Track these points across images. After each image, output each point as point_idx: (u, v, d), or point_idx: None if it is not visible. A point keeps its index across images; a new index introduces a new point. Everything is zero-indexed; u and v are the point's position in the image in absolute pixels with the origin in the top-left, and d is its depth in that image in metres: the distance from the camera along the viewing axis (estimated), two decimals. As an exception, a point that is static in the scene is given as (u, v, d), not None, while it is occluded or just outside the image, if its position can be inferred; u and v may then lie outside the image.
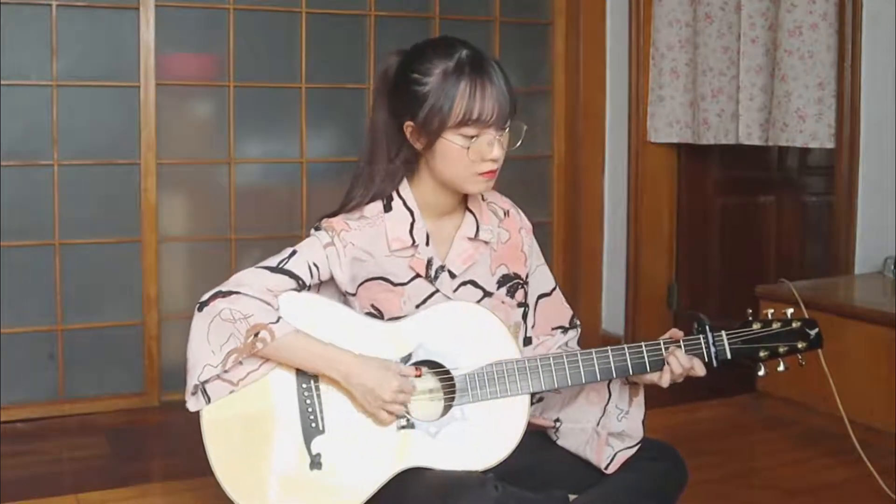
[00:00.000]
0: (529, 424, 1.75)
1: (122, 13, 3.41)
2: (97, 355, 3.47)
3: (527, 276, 1.87)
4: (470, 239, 1.80)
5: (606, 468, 1.79)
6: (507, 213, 1.88)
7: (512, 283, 1.84)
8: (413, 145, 1.74)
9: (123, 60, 3.43)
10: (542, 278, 1.90)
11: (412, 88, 1.69)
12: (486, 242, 1.81)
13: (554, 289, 1.91)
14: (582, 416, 1.82)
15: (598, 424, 1.81)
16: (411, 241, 1.75)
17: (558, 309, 1.91)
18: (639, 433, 1.81)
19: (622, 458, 1.79)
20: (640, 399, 1.83)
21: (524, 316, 1.86)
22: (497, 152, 1.70)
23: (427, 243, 1.77)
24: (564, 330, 1.91)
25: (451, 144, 1.68)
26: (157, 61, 3.45)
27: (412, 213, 1.76)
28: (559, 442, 1.84)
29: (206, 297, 1.68)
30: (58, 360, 3.41)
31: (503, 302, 1.82)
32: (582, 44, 4.11)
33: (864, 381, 2.76)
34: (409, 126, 1.72)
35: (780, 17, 3.31)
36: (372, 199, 1.77)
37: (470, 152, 1.68)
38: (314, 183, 3.75)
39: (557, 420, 1.84)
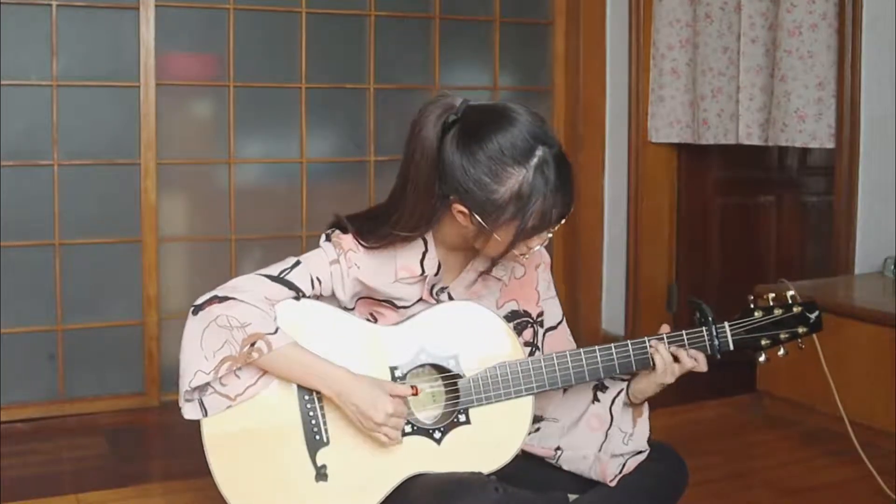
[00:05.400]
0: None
1: (122, 13, 3.41)
2: (97, 355, 3.46)
3: (538, 316, 1.82)
4: (480, 272, 1.75)
5: (614, 479, 1.74)
6: None
7: (521, 320, 1.79)
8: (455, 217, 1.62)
9: (123, 60, 3.43)
10: (549, 313, 1.85)
11: (482, 191, 1.55)
12: (497, 279, 1.77)
13: (560, 322, 1.87)
14: (583, 443, 1.78)
15: (600, 450, 1.77)
16: (420, 272, 1.70)
17: (561, 343, 1.86)
18: (644, 448, 1.78)
19: (633, 464, 1.76)
20: (643, 418, 1.79)
21: (531, 355, 1.79)
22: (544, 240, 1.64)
23: (436, 273, 1.72)
24: None
25: (509, 248, 1.61)
26: (157, 61, 3.44)
27: (426, 244, 1.70)
28: (562, 467, 1.80)
29: (201, 300, 1.64)
30: (58, 360, 3.40)
31: None
32: (582, 44, 4.11)
33: (865, 381, 2.76)
34: (462, 212, 1.60)
35: (780, 17, 3.31)
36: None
37: (520, 247, 1.62)
38: (314, 183, 3.75)
39: (558, 448, 1.80)
